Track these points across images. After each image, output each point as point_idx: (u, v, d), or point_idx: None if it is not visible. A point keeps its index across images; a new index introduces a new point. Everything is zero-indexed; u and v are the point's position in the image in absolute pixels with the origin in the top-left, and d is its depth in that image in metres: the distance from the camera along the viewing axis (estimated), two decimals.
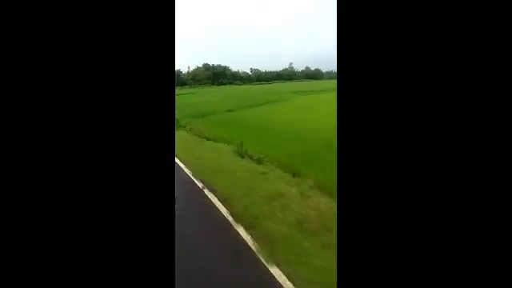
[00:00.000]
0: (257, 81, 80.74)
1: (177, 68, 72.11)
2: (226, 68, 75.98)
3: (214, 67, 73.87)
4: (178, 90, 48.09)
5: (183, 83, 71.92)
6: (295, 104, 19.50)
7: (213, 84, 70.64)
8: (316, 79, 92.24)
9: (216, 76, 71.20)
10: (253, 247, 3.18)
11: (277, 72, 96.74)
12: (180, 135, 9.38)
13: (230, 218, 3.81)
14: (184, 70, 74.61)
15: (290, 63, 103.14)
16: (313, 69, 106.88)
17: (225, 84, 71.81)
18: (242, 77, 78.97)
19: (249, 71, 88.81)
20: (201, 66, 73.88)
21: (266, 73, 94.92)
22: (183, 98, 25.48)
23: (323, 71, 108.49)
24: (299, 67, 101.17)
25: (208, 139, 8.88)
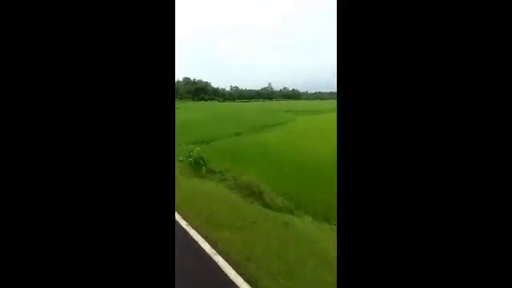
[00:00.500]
0: (238, 98, 78.90)
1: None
2: (207, 84, 73.17)
3: (194, 82, 70.64)
4: None
5: None
6: (304, 126, 16.84)
7: (193, 99, 66.97)
8: (294, 99, 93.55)
9: (197, 91, 67.85)
10: None
11: (256, 91, 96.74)
12: (223, 196, 4.60)
13: None
14: None
15: (269, 83, 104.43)
16: (290, 89, 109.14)
17: (205, 100, 68.58)
18: (223, 94, 76.60)
19: (228, 88, 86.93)
20: (181, 79, 70.04)
21: (246, 91, 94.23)
22: None
23: (300, 91, 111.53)
24: (277, 87, 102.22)
25: (290, 211, 4.12)
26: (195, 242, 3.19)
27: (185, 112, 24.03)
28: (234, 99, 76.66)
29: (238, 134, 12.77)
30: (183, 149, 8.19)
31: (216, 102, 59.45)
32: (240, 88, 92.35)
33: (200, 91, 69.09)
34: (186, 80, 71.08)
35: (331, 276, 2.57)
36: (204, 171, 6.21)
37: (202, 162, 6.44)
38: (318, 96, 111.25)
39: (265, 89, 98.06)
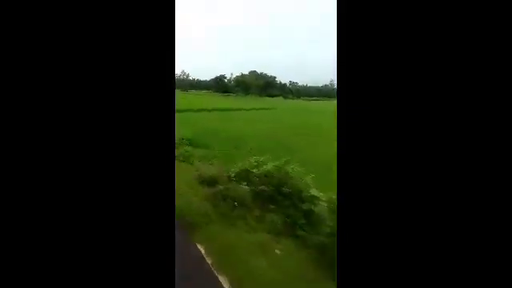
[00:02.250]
0: (306, 95, 73.63)
1: (220, 73, 65.61)
2: (274, 78, 68.96)
3: (262, 76, 66.92)
4: (227, 100, 39.63)
5: (226, 90, 65.10)
6: None
7: (260, 94, 63.49)
8: None
9: (264, 86, 64.04)
10: None
11: (317, 87, 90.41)
12: None
13: None
14: (228, 76, 67.66)
15: (331, 80, 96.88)
16: None
17: (273, 96, 64.38)
18: (290, 89, 71.92)
19: (287, 83, 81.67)
20: (246, 73, 66.78)
21: (307, 87, 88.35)
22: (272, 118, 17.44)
23: None
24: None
25: None
26: None
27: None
28: (299, 96, 71.64)
29: None
30: None
31: (291, 100, 55.11)
32: (299, 84, 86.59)
33: (267, 86, 65.26)
34: (254, 74, 67.66)
35: None
36: None
37: None
38: None
39: (326, 86, 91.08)
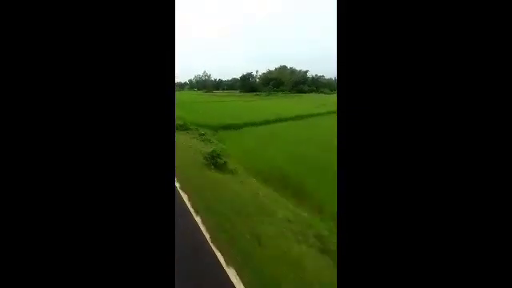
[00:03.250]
0: (335, 89, 67.47)
1: (230, 71, 60.80)
2: (306, 72, 63.32)
3: (292, 70, 61.41)
4: (268, 100, 34.74)
5: (253, 89, 60.07)
6: None
7: (290, 91, 58.03)
8: None
9: (297, 82, 58.60)
10: None
11: None
12: None
13: None
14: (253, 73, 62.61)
15: None
16: None
17: (305, 92, 58.66)
18: (323, 83, 66.04)
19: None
20: (272, 69, 61.46)
21: (334, 80, 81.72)
22: None
23: None
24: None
25: None
26: None
27: None
28: (331, 90, 65.78)
29: None
30: None
31: (329, 95, 49.76)
32: (326, 77, 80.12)
33: (300, 81, 59.88)
34: (282, 68, 62.28)
35: None
36: None
37: None
38: None
39: None
